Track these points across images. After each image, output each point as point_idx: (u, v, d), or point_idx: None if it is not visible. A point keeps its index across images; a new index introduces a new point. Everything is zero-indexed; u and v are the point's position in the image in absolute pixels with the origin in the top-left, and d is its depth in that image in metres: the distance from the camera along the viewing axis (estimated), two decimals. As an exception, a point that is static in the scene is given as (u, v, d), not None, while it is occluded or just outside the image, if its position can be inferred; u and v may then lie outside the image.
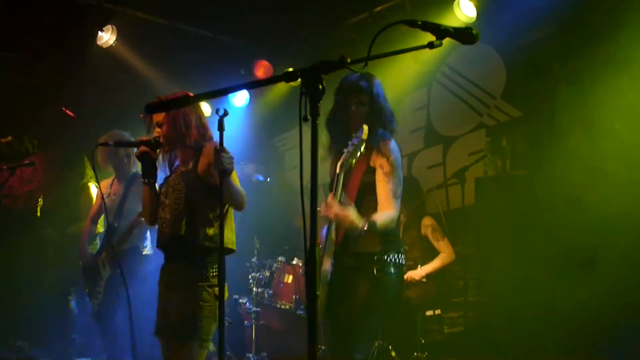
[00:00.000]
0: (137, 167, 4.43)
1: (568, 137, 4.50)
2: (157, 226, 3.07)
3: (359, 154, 2.75)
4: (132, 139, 3.77)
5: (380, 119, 2.91)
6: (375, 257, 2.79)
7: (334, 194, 2.78)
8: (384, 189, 2.81)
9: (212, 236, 2.89)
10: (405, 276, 4.71)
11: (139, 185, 4.22)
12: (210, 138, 3.04)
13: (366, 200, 2.84)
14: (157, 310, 3.01)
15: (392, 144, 2.88)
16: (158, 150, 3.03)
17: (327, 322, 2.88)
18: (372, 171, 2.87)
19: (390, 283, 2.81)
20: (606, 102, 4.26)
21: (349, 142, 2.80)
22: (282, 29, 5.92)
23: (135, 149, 4.32)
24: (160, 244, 3.04)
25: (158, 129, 3.02)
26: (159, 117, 3.02)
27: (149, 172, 3.04)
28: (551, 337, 4.08)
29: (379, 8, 5.58)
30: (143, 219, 4.25)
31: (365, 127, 2.77)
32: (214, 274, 2.85)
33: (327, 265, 2.82)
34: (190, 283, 2.87)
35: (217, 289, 2.79)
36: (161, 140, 3.01)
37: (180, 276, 2.91)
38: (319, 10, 5.66)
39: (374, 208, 2.80)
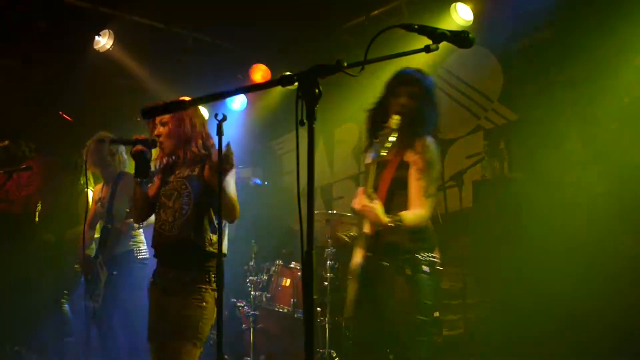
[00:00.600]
0: (124, 165, 4.44)
1: (565, 140, 4.51)
2: (153, 227, 3.05)
3: (389, 144, 2.66)
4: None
5: (424, 116, 2.84)
6: (407, 256, 2.72)
7: (365, 186, 2.73)
8: (416, 186, 2.74)
9: (214, 242, 2.89)
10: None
11: (125, 184, 4.24)
12: (213, 146, 3.03)
13: (397, 195, 2.78)
14: (150, 315, 2.98)
15: (429, 141, 2.81)
16: (154, 150, 3.02)
17: (356, 316, 2.83)
18: (405, 166, 2.80)
19: (424, 281, 2.71)
20: (602, 105, 4.28)
21: (380, 133, 2.71)
22: (280, 32, 5.92)
23: (123, 148, 4.32)
24: (157, 245, 3.01)
25: (161, 128, 3.02)
26: (163, 116, 3.01)
27: (143, 171, 3.02)
28: (550, 339, 4.08)
29: (376, 12, 5.59)
30: (132, 220, 4.26)
31: (396, 117, 2.70)
32: (214, 279, 2.85)
33: (357, 258, 2.79)
34: (191, 287, 2.86)
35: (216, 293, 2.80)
36: (162, 139, 3.01)
37: (180, 281, 2.89)
38: (317, 14, 5.67)
39: (404, 204, 2.74)
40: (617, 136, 4.19)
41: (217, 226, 2.85)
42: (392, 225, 2.64)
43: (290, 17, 5.63)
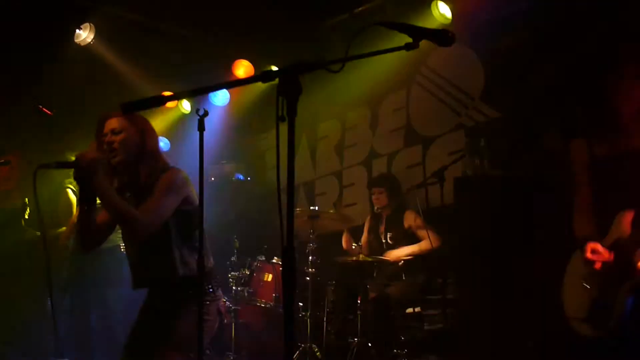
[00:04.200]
0: None
1: (545, 138, 4.57)
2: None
3: None
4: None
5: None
6: None
7: None
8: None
9: (190, 264, 2.73)
10: (387, 256, 4.85)
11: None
12: (167, 165, 2.78)
13: None
14: (136, 325, 2.81)
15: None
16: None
17: None
18: None
19: None
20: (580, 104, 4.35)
21: None
22: (263, 28, 5.91)
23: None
24: (139, 283, 2.83)
25: (114, 136, 2.70)
26: (113, 123, 2.72)
27: (88, 196, 2.63)
28: (530, 334, 4.14)
29: (359, 9, 5.61)
30: None
31: None
32: (210, 288, 2.81)
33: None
34: (187, 304, 2.70)
35: (220, 302, 2.84)
36: (115, 147, 2.69)
37: (175, 303, 2.74)
38: (300, 10, 5.67)
39: None
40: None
41: (193, 244, 2.70)
42: None
43: (274, 13, 5.63)
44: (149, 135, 2.79)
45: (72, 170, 2.60)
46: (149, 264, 2.78)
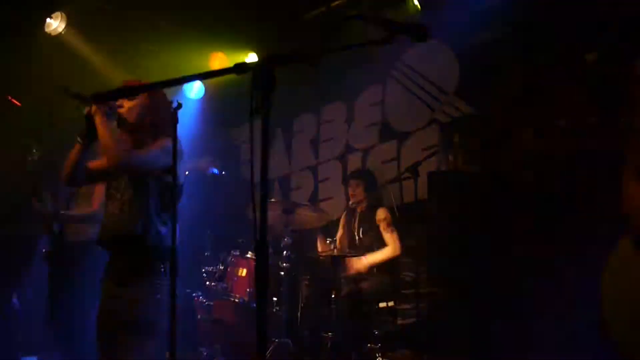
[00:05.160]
0: None
1: (518, 134, 4.62)
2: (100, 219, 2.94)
3: None
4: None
5: None
6: None
7: None
8: None
9: (163, 235, 2.82)
10: (352, 269, 4.80)
11: None
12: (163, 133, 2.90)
13: None
14: (100, 308, 2.88)
15: None
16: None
17: None
18: None
19: None
20: (554, 101, 4.41)
21: None
22: (240, 20, 5.86)
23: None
24: (106, 240, 2.91)
25: (127, 102, 2.83)
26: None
27: (92, 136, 2.77)
28: (503, 327, 4.19)
29: (336, 2, 5.59)
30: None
31: None
32: (166, 270, 2.80)
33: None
34: (144, 279, 2.79)
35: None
36: (124, 111, 2.83)
37: (132, 272, 2.81)
38: (278, 2, 5.64)
39: None
40: (566, 131, 4.32)
41: (168, 218, 2.78)
42: None
43: (251, 5, 5.59)
44: (159, 111, 2.90)
45: None
46: (125, 218, 2.83)
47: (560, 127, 4.35)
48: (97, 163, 2.94)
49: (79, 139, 2.82)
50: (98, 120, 2.71)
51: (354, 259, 4.84)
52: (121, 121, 2.88)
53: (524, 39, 4.76)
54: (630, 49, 4.10)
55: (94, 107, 2.71)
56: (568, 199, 4.07)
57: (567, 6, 4.48)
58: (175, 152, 2.52)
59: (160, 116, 2.91)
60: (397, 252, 4.83)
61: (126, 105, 2.86)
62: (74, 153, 2.84)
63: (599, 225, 3.72)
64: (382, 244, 4.89)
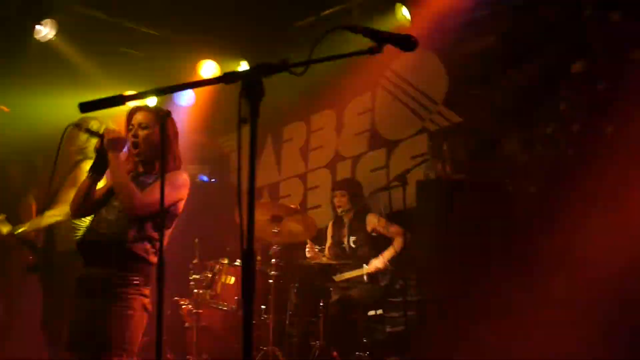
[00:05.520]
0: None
1: (505, 143, 4.67)
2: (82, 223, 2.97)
3: None
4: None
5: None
6: None
7: None
8: None
9: (149, 250, 2.81)
10: (371, 267, 4.79)
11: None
12: (179, 167, 2.98)
13: None
14: (71, 323, 2.83)
15: None
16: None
17: None
18: None
19: None
20: (540, 109, 4.46)
21: None
22: (230, 29, 5.88)
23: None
24: (87, 243, 2.89)
25: (140, 131, 2.89)
26: (141, 117, 2.92)
27: (102, 169, 2.88)
28: (489, 335, 4.21)
29: (326, 12, 5.64)
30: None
31: None
32: (142, 282, 2.79)
33: None
34: (117, 292, 2.74)
35: (145, 299, 2.77)
36: (140, 142, 2.89)
37: (105, 284, 2.76)
38: (268, 11, 5.66)
39: None
40: (553, 138, 4.38)
41: (157, 236, 2.78)
42: None
43: (242, 13, 5.61)
44: (171, 136, 2.96)
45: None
46: (120, 225, 2.82)
47: (546, 136, 4.40)
48: (102, 191, 2.97)
49: (90, 173, 2.89)
50: (111, 158, 2.80)
51: (374, 258, 4.85)
52: (138, 157, 2.95)
53: (511, 49, 4.81)
54: (614, 59, 4.17)
55: (106, 141, 2.80)
56: (553, 207, 4.12)
57: (553, 17, 4.55)
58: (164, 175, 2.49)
59: (174, 139, 2.98)
60: (403, 243, 4.82)
61: (141, 135, 2.91)
62: (84, 186, 2.90)
63: (584, 231, 3.78)
64: (377, 252, 4.91)
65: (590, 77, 4.23)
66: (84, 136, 3.77)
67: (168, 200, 2.77)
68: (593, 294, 3.63)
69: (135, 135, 2.90)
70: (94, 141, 3.03)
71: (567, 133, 4.29)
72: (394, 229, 4.92)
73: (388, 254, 4.86)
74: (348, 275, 4.90)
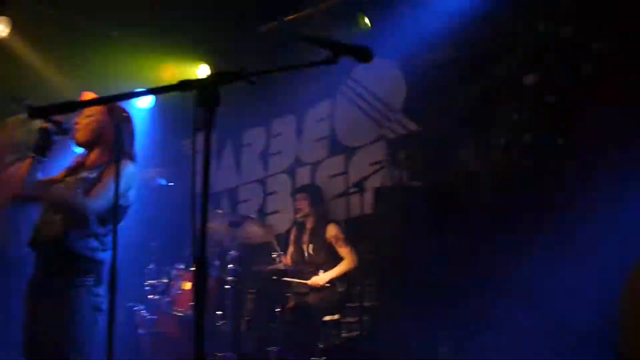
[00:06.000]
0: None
1: (461, 153, 4.78)
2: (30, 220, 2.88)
3: None
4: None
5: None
6: None
7: None
8: None
9: (94, 248, 2.76)
10: (310, 282, 4.83)
11: None
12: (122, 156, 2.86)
13: None
14: (24, 328, 2.76)
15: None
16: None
17: None
18: None
19: None
20: (494, 120, 4.59)
21: None
22: (192, 31, 5.83)
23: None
24: (35, 244, 2.81)
25: (86, 119, 2.82)
26: (93, 109, 2.83)
27: (44, 149, 2.72)
28: (444, 340, 4.28)
29: (288, 17, 5.65)
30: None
31: None
32: (91, 284, 2.74)
33: None
34: (65, 293, 2.69)
35: (98, 298, 2.72)
36: (79, 128, 2.82)
37: (53, 285, 2.71)
38: (231, 15, 5.65)
39: None
40: (506, 149, 4.51)
41: (103, 231, 2.74)
42: None
43: (204, 16, 5.58)
44: (115, 129, 2.86)
45: None
46: (64, 224, 2.74)
47: (500, 146, 4.53)
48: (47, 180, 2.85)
49: (31, 152, 2.70)
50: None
51: (314, 275, 4.87)
52: (76, 139, 2.86)
53: (467, 61, 4.94)
54: (567, 71, 4.32)
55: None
56: (506, 215, 4.24)
57: (508, 31, 4.68)
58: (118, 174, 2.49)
59: (117, 133, 2.86)
60: (353, 264, 4.91)
61: (82, 122, 2.83)
62: (24, 167, 2.70)
63: (536, 239, 3.90)
64: (333, 260, 4.94)
65: (541, 90, 4.37)
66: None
67: (99, 208, 2.71)
68: (548, 301, 3.75)
69: (76, 122, 2.84)
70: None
71: (519, 144, 4.41)
72: (344, 250, 4.96)
73: (333, 272, 4.89)
74: (295, 280, 4.92)
